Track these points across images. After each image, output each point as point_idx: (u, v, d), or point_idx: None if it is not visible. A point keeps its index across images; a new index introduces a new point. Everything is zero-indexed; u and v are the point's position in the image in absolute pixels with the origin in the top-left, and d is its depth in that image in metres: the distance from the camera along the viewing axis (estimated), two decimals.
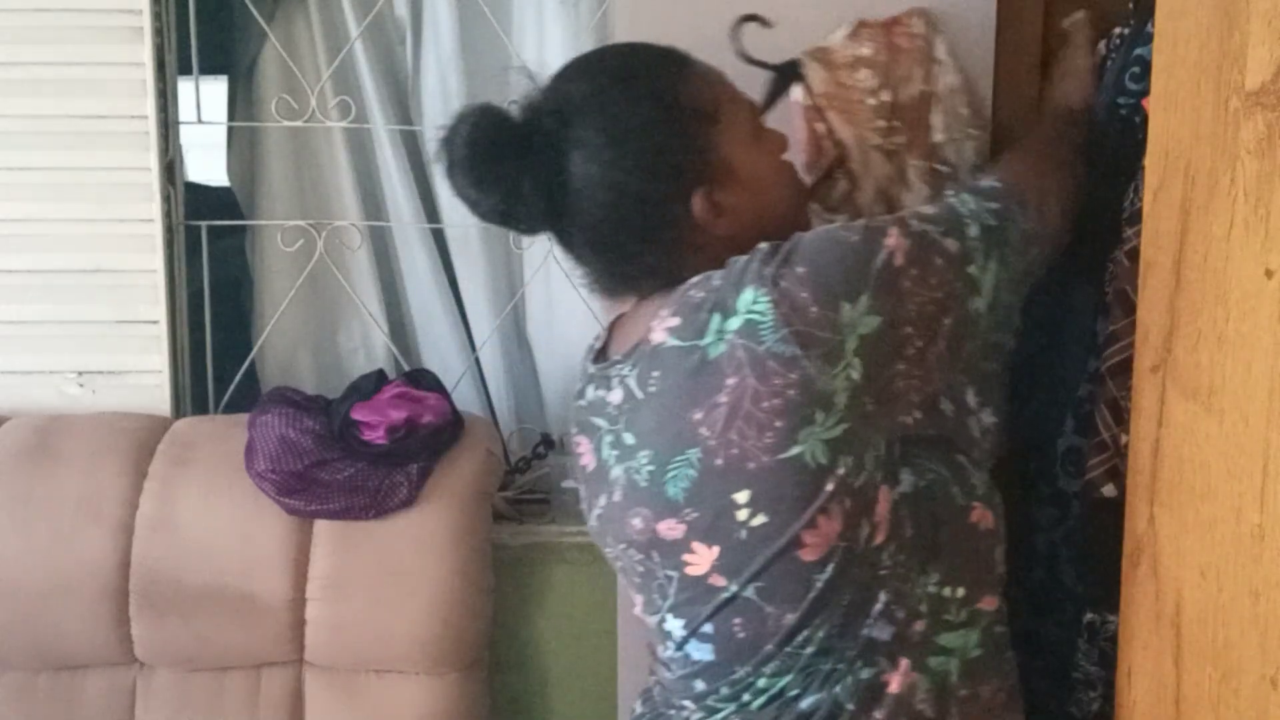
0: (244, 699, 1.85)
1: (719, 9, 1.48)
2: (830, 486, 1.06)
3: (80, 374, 2.02)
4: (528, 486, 2.12)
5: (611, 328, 1.26)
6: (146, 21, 1.93)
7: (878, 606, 1.10)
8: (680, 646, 1.17)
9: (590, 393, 1.21)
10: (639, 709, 1.26)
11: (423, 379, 1.98)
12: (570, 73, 1.20)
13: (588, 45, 2.02)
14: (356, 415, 1.88)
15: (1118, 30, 1.33)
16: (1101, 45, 1.36)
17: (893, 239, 1.07)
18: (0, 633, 1.82)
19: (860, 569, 1.09)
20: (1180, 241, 0.96)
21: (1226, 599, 0.89)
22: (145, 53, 1.94)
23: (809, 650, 1.10)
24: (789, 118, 1.35)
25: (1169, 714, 1.01)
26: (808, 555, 1.08)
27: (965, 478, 1.15)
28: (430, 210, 2.21)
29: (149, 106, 1.95)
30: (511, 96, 2.13)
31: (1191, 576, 0.95)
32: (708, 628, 1.14)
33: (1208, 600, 0.92)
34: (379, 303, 2.19)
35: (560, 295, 2.12)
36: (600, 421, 1.18)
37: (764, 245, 1.09)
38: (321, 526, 1.83)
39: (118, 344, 2.01)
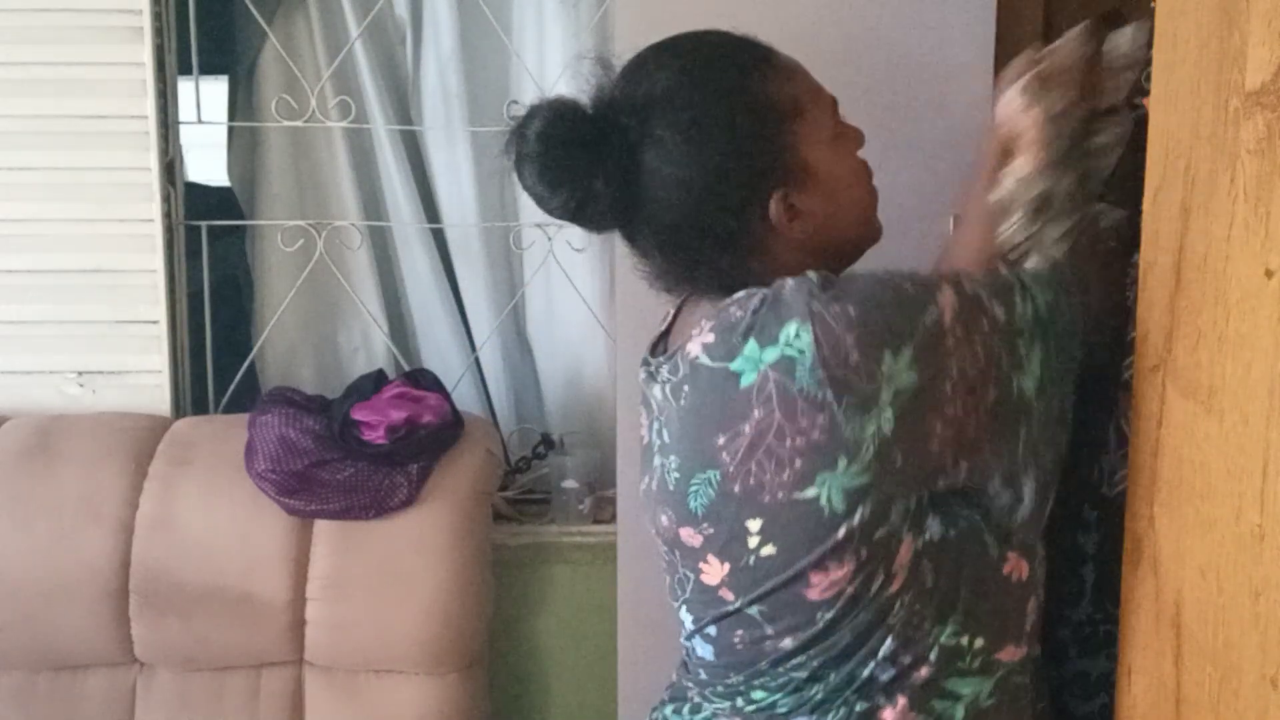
0: (244, 699, 1.85)
1: (719, 9, 1.48)
2: (842, 534, 1.04)
3: (80, 374, 2.02)
4: (528, 486, 2.12)
5: (679, 311, 1.23)
6: (146, 21, 1.94)
7: (882, 650, 1.08)
8: (689, 638, 1.18)
9: (648, 370, 1.19)
10: (674, 676, 1.28)
11: (423, 379, 1.98)
12: (647, 64, 1.13)
13: (588, 45, 2.02)
14: (356, 415, 1.88)
15: None
16: None
17: (945, 296, 1.04)
18: (0, 633, 1.82)
19: (868, 614, 1.07)
20: (1180, 241, 0.96)
21: (1226, 599, 0.89)
22: (145, 53, 1.94)
23: (802, 675, 1.10)
24: (1077, 59, 1.22)
25: (1169, 714, 1.00)
26: (813, 594, 1.07)
27: (1002, 526, 1.11)
28: (430, 210, 2.21)
29: (149, 106, 1.95)
30: (512, 96, 2.15)
31: (1191, 576, 0.95)
32: (711, 630, 1.15)
33: (1208, 600, 0.92)
34: (379, 303, 2.19)
35: (560, 295, 2.13)
36: (653, 405, 1.18)
37: (813, 274, 1.05)
38: (321, 526, 1.83)
39: (118, 344, 2.01)
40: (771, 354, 1.03)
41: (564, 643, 2.03)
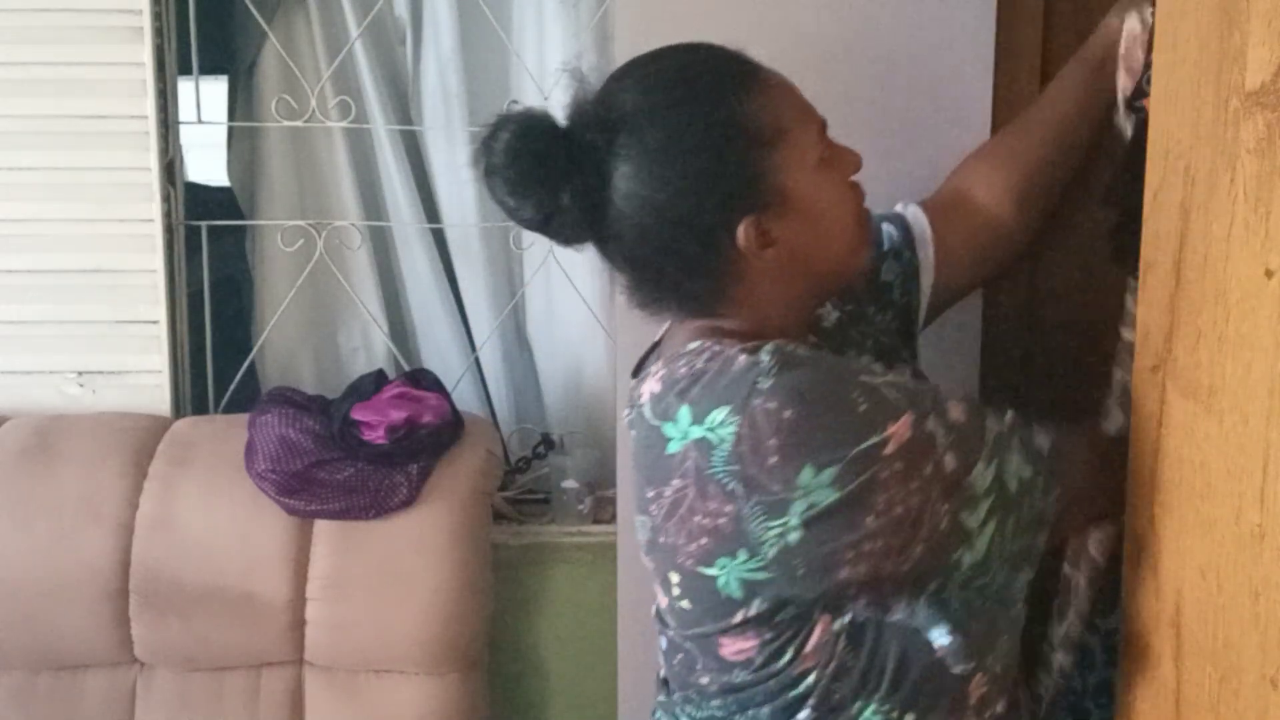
0: (244, 699, 1.85)
1: (720, 9, 1.48)
2: (739, 619, 1.05)
3: (80, 374, 2.02)
4: (528, 486, 2.12)
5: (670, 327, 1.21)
6: (146, 21, 1.94)
7: (801, 716, 1.07)
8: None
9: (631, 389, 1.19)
10: None
11: (423, 379, 1.98)
12: (623, 80, 1.10)
13: (588, 45, 2.02)
14: (356, 415, 1.88)
15: None
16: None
17: (898, 425, 0.98)
18: (0, 633, 1.82)
19: (778, 683, 1.07)
20: (1180, 241, 0.96)
21: (1226, 599, 0.89)
22: (145, 53, 1.94)
23: (720, 714, 1.11)
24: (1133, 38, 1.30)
25: (1169, 714, 1.00)
26: (725, 653, 1.08)
27: (945, 613, 1.05)
28: (430, 210, 2.21)
29: (149, 106, 1.95)
30: (512, 96, 2.14)
31: (1191, 576, 0.95)
32: (662, 641, 1.18)
33: (1208, 600, 0.92)
34: (379, 303, 2.19)
35: (560, 295, 2.12)
36: None
37: (768, 356, 1.01)
38: (321, 526, 1.83)
39: (118, 344, 2.01)
40: (696, 431, 1.01)
41: (564, 643, 2.03)
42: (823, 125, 1.11)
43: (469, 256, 2.21)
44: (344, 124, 2.10)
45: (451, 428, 1.90)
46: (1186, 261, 0.95)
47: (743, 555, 1.01)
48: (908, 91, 1.54)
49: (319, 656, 1.85)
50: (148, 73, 1.95)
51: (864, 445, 0.98)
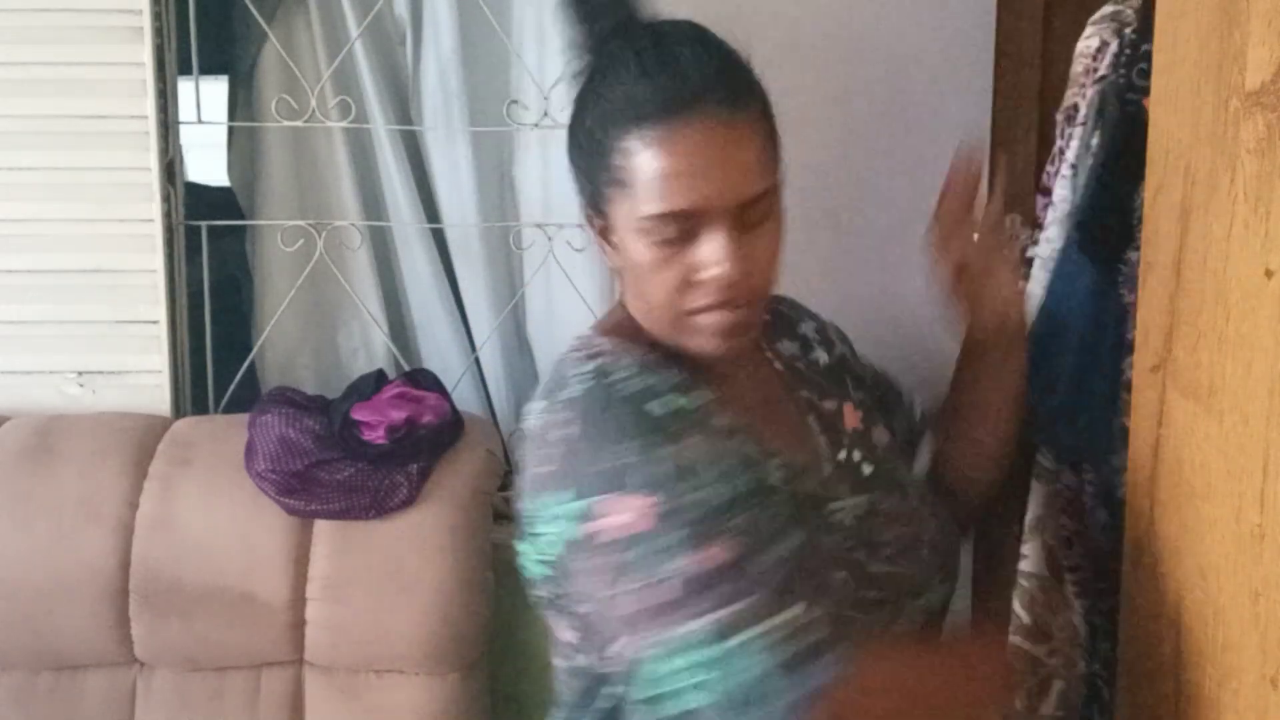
0: (244, 699, 1.85)
1: (719, 9, 1.48)
2: (544, 595, 1.07)
3: (80, 374, 2.02)
4: None
5: None
6: (146, 21, 1.94)
7: None
8: None
9: None
10: None
11: (423, 379, 1.98)
12: (638, 27, 1.09)
13: None
14: (356, 415, 1.88)
15: (1130, 30, 1.31)
16: (1112, 41, 1.32)
17: (637, 503, 0.92)
18: (0, 633, 1.82)
19: (583, 681, 1.08)
20: (1180, 241, 0.96)
21: (1226, 599, 0.89)
22: (145, 53, 1.94)
23: (561, 716, 1.12)
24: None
25: (1169, 714, 1.00)
26: (561, 635, 1.09)
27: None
28: (430, 210, 2.21)
29: (149, 106, 1.95)
30: (512, 96, 2.14)
31: (1191, 576, 0.95)
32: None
33: (1208, 600, 0.92)
34: (379, 303, 2.19)
35: (560, 295, 2.12)
36: None
37: (589, 368, 1.01)
38: (321, 526, 1.83)
39: (118, 344, 2.01)
40: (533, 415, 1.03)
41: None
42: (684, 213, 0.99)
43: (469, 256, 2.21)
44: (344, 124, 2.10)
45: (451, 428, 1.90)
46: (1186, 261, 0.95)
47: (532, 543, 1.03)
48: (908, 91, 1.54)
49: (319, 656, 1.85)
50: (148, 73, 1.95)
51: (596, 498, 0.95)
